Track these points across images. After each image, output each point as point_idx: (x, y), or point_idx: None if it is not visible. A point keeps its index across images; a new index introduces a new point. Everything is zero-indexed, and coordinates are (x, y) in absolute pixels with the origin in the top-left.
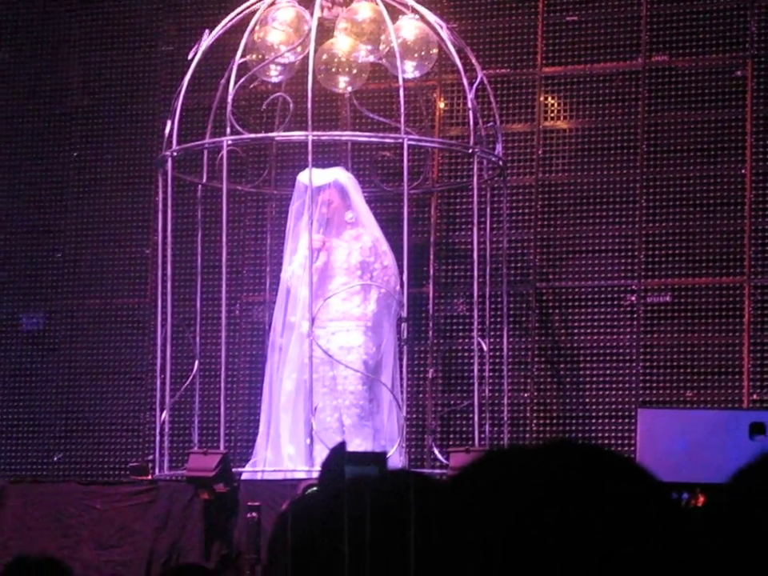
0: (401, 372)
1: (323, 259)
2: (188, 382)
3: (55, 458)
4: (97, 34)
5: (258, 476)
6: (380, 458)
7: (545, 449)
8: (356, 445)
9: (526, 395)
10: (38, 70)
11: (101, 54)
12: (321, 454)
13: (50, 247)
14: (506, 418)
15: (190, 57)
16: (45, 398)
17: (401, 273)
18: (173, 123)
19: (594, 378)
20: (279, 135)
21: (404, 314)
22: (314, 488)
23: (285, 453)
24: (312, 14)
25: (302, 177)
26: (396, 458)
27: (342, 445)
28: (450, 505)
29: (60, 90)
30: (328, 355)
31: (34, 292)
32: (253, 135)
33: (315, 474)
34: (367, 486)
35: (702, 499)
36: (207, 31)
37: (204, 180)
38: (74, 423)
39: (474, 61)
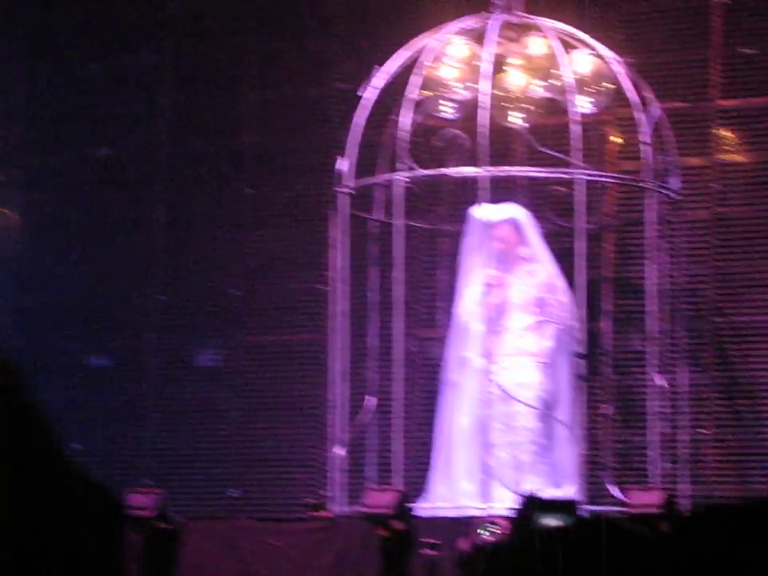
0: (577, 408)
1: (498, 295)
2: (363, 418)
3: (231, 494)
4: (271, 71)
5: (434, 513)
6: (571, 506)
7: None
8: (531, 482)
9: (704, 431)
10: (212, 108)
11: (275, 92)
12: (496, 490)
13: (226, 283)
14: (684, 455)
15: (361, 94)
16: (221, 433)
17: (576, 308)
18: (346, 160)
19: None
20: (453, 171)
21: (580, 349)
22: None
23: (461, 489)
24: (485, 50)
25: (476, 212)
26: (573, 495)
27: (532, 495)
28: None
29: (234, 128)
30: (504, 391)
31: (210, 328)
32: (427, 171)
33: (491, 511)
34: (559, 537)
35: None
36: (378, 68)
37: (379, 216)
38: (249, 458)
39: (649, 95)
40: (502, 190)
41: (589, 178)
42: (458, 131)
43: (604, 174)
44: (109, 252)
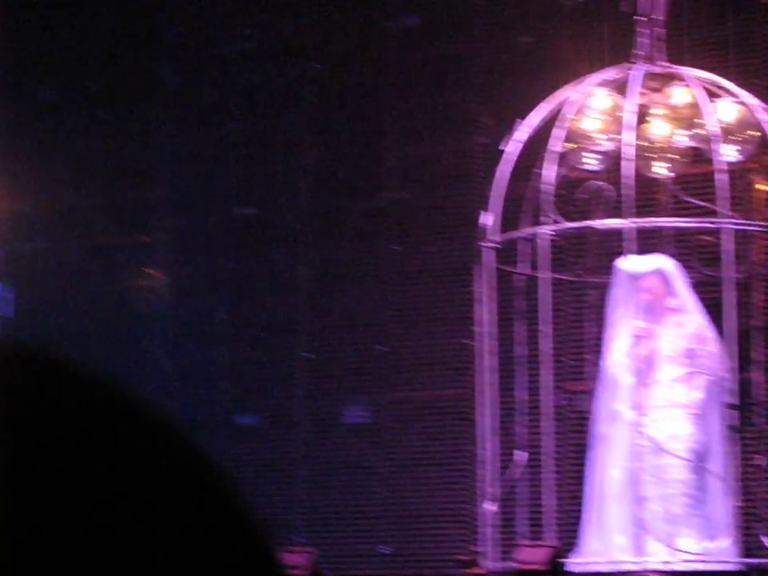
0: (730, 459)
1: (647, 346)
2: (514, 473)
3: (382, 551)
4: (412, 126)
5: (587, 567)
6: None
7: None
8: (685, 535)
9: None
10: (354, 165)
11: (416, 147)
12: (650, 544)
13: (372, 340)
14: None
15: (503, 148)
16: (370, 489)
17: (727, 359)
18: (490, 214)
19: None
20: (598, 223)
21: (732, 400)
22: None
23: (614, 543)
24: (628, 101)
25: (623, 264)
26: (728, 549)
27: None
28: None
29: (377, 184)
30: (655, 444)
31: (357, 385)
32: (572, 224)
33: (645, 566)
34: None
35: None
36: (520, 121)
37: (524, 270)
38: (399, 515)
39: None
40: (647, 241)
41: (736, 227)
42: (602, 183)
43: (751, 222)
44: (255, 311)
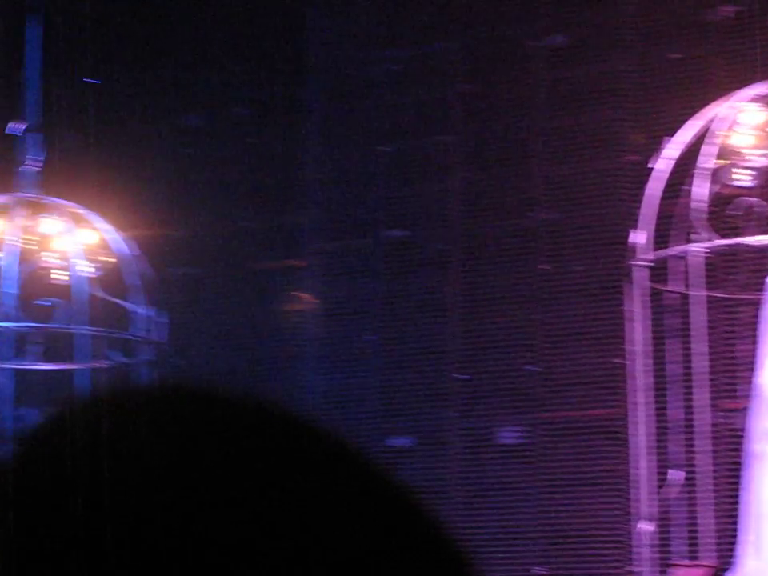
0: None
1: None
2: (668, 492)
3: (538, 572)
4: (560, 145)
5: None
6: None
7: None
8: None
9: None
10: (503, 185)
11: (565, 166)
12: None
13: (524, 360)
14: None
15: (652, 165)
16: (524, 510)
17: None
18: (642, 232)
19: None
20: (751, 240)
21: None
22: None
23: None
24: None
25: None
26: None
27: None
28: None
29: (526, 204)
30: None
31: (509, 405)
32: (725, 241)
33: None
34: None
35: None
36: (668, 138)
37: (677, 288)
38: (554, 536)
39: None
40: None
41: None
42: (754, 199)
43: None
44: (408, 333)
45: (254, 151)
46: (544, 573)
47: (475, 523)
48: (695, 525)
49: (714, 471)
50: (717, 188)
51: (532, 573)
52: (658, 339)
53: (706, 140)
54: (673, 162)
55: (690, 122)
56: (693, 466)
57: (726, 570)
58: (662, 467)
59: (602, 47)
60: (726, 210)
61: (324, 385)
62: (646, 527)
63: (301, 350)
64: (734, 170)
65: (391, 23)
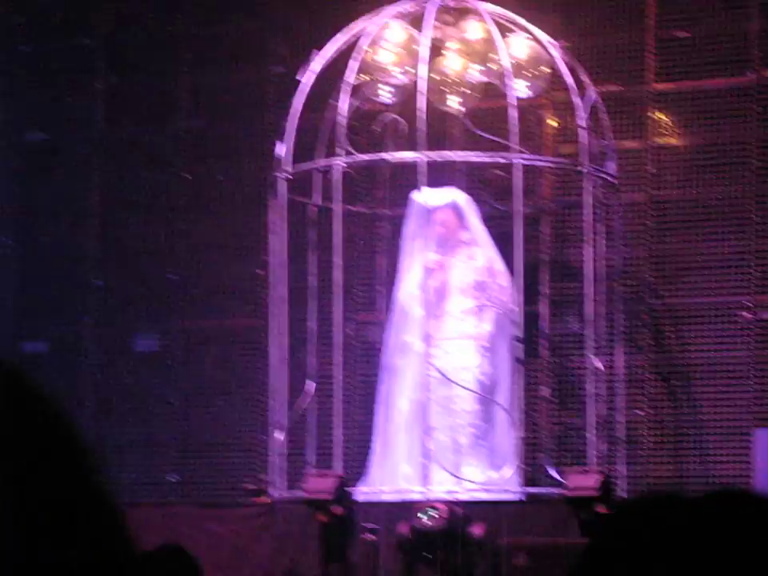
0: (516, 391)
1: (439, 279)
2: (303, 403)
3: (171, 479)
4: (207, 55)
5: (374, 496)
6: None
7: (710, 498)
8: (470, 465)
9: (640, 413)
10: (148, 92)
11: (211, 76)
12: (436, 474)
13: (163, 269)
14: (621, 436)
15: (299, 78)
16: (159, 419)
17: (515, 292)
18: (285, 144)
19: (709, 396)
20: (392, 156)
21: (519, 333)
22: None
23: (400, 473)
24: (423, 35)
25: (417, 197)
26: (512, 478)
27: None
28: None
29: (171, 112)
30: (443, 375)
31: (148, 313)
32: (366, 156)
33: (430, 495)
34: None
35: None
36: (316, 52)
37: (316, 201)
38: (189, 444)
39: (585, 78)
40: (440, 175)
41: (526, 162)
42: (396, 116)
43: (541, 157)
44: (45, 238)
45: None
46: (176, 480)
47: (110, 430)
48: (329, 436)
49: (348, 383)
50: (359, 103)
51: (167, 480)
52: (300, 252)
53: (353, 55)
54: (315, 76)
55: (337, 37)
56: (328, 377)
57: (357, 480)
58: (299, 378)
59: None
60: (369, 126)
61: None
62: (278, 436)
63: None
64: (377, 86)
65: None
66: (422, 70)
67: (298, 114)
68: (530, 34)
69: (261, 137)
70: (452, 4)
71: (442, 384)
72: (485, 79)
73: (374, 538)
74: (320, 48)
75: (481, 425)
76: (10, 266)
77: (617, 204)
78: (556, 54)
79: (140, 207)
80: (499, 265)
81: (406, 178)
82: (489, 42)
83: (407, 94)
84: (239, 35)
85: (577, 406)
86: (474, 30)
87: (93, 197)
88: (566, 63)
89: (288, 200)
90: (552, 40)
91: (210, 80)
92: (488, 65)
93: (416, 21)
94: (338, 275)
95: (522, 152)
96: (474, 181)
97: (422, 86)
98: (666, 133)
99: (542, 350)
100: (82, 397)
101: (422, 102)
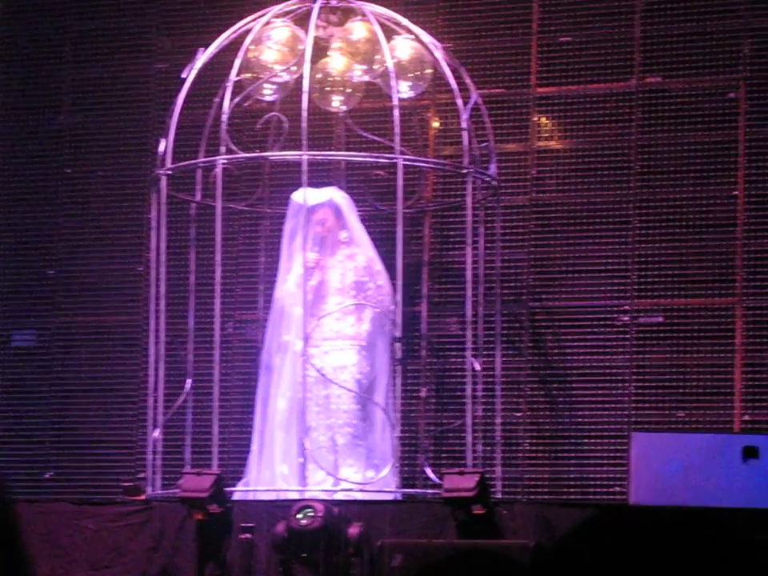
0: (394, 391)
1: (317, 278)
2: (180, 401)
3: (46, 476)
4: (89, 50)
5: (251, 495)
6: None
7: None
8: (348, 465)
9: (518, 415)
10: (29, 87)
11: (93, 71)
12: (313, 473)
13: (42, 264)
14: (498, 438)
15: (183, 75)
16: (36, 414)
17: (394, 292)
18: (166, 141)
19: (587, 399)
20: (273, 155)
21: (397, 333)
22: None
23: (278, 472)
24: (307, 34)
25: (296, 196)
26: (389, 479)
27: None
28: None
29: (52, 107)
30: (321, 374)
31: (26, 309)
32: (247, 155)
33: (307, 495)
34: None
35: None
36: (201, 50)
37: (198, 198)
38: (65, 441)
39: (467, 81)
40: (322, 174)
41: (408, 162)
42: (278, 114)
43: (423, 158)
44: None
45: None
46: (51, 476)
47: None
48: (207, 434)
49: (227, 382)
50: (243, 101)
51: (42, 477)
52: (181, 249)
53: (238, 53)
54: (196, 73)
55: (223, 34)
56: (207, 375)
57: (234, 479)
58: (177, 376)
59: None
60: (251, 124)
61: None
62: (154, 434)
63: None
64: (260, 84)
65: None
66: (306, 69)
67: (180, 111)
68: (414, 35)
69: (144, 133)
70: (335, 3)
71: (320, 383)
72: (367, 79)
73: (250, 537)
74: (206, 46)
75: (359, 425)
76: None
77: (498, 206)
78: (439, 55)
79: (21, 202)
80: (378, 265)
81: (288, 177)
82: (372, 42)
83: (291, 92)
84: (124, 31)
85: (455, 407)
86: (358, 30)
87: None
88: (449, 65)
89: (169, 197)
90: (435, 41)
91: (93, 75)
92: (372, 65)
93: (303, 20)
94: (218, 273)
95: (404, 152)
96: (356, 181)
97: (306, 84)
98: (549, 136)
99: (421, 351)
100: None
101: (304, 101)
